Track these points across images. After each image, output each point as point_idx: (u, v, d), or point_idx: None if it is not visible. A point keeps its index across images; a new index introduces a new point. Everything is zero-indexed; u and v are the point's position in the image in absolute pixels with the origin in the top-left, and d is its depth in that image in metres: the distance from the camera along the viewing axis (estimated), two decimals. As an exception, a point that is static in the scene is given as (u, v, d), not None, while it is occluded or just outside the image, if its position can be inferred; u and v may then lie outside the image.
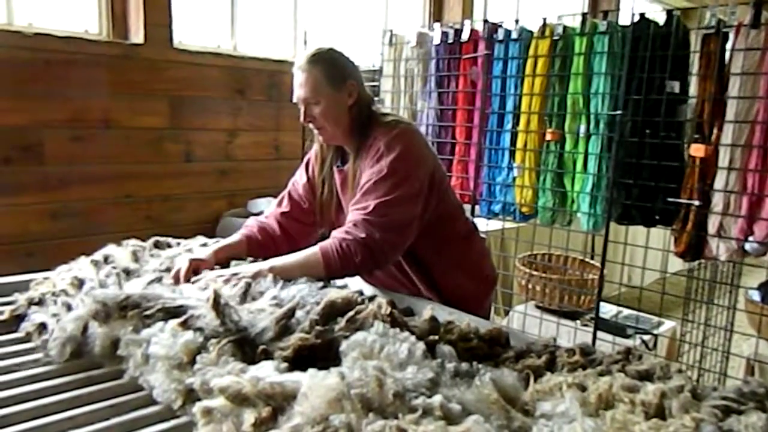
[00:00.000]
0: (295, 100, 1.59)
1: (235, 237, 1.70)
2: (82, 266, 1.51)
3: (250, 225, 1.76)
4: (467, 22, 3.06)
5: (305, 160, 1.80)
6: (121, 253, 1.58)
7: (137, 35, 3.15)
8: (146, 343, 1.07)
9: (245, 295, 1.30)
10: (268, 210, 1.82)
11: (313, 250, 1.47)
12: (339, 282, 1.61)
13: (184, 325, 1.09)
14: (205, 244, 1.76)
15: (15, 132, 2.80)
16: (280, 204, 1.79)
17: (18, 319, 1.32)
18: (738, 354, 2.71)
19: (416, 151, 1.56)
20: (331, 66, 1.55)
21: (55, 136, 2.92)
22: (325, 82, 1.53)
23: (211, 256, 1.54)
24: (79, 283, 1.38)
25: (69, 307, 1.25)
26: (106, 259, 1.53)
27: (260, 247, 1.68)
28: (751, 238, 2.20)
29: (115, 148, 3.12)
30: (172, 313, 1.15)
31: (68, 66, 2.92)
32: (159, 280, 1.39)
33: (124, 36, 3.19)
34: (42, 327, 1.22)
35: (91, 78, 3.00)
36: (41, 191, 2.91)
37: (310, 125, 1.61)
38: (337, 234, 1.48)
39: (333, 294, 1.23)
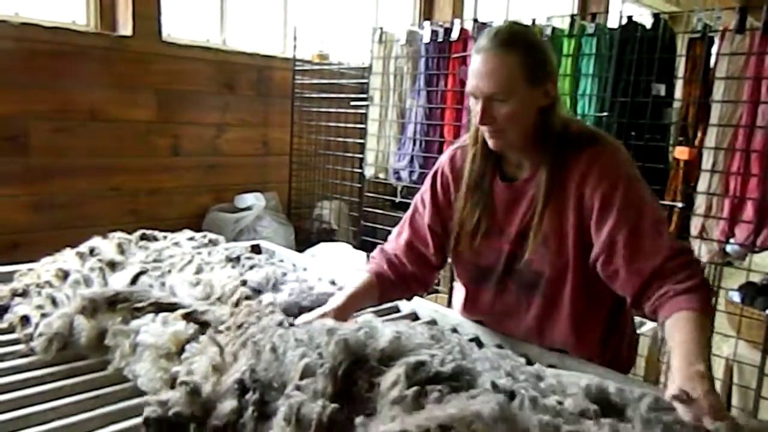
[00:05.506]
0: (470, 90, 1.21)
1: (363, 277, 1.36)
2: (67, 258, 1.50)
3: (376, 260, 1.42)
4: (457, 21, 3.07)
5: (431, 177, 1.42)
6: (106, 245, 1.57)
7: (125, 27, 3.12)
8: (134, 334, 1.07)
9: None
10: (389, 244, 1.47)
11: (694, 313, 1.02)
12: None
13: (188, 318, 1.10)
14: (192, 238, 1.76)
15: (-1, 122, 2.78)
16: (400, 234, 1.45)
17: (1, 309, 1.31)
18: (718, 355, 2.74)
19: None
20: (531, 54, 1.18)
21: (40, 127, 2.89)
22: (521, 74, 1.16)
23: (340, 310, 1.21)
24: (64, 275, 1.37)
25: (53, 300, 1.24)
26: (92, 251, 1.51)
27: (393, 287, 1.38)
28: (732, 240, 2.23)
29: (101, 141, 3.10)
30: (164, 308, 1.15)
31: (55, 57, 2.89)
32: (145, 272, 1.38)
33: (112, 28, 3.16)
34: (25, 319, 1.21)
35: (78, 69, 2.97)
36: (25, 182, 2.88)
37: (484, 127, 1.22)
38: (681, 287, 1.07)
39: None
